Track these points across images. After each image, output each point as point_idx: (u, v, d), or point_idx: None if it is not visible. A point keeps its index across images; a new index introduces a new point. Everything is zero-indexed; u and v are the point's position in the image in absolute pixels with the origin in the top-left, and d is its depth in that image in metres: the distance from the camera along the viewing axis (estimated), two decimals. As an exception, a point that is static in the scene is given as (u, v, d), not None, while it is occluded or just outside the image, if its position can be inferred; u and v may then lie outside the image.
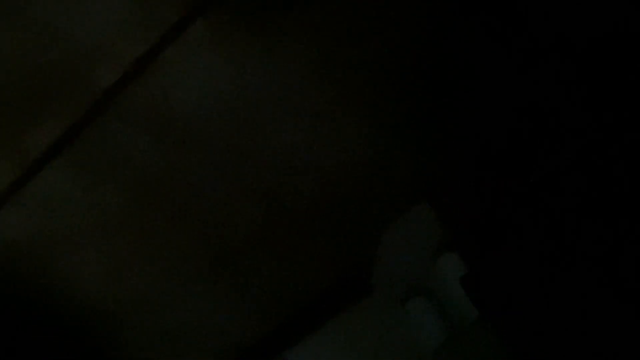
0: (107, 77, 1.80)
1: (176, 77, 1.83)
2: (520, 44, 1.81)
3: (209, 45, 1.80)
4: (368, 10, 1.81)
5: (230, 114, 1.90)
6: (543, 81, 1.79)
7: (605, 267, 1.54)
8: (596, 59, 1.67)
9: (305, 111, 1.91)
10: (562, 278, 1.59)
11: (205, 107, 1.88)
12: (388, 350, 2.08)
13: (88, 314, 2.12)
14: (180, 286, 2.12)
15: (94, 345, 2.16)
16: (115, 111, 1.85)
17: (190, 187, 1.99)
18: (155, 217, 2.01)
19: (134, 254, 2.06)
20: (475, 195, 1.88)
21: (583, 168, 1.62)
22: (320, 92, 1.89)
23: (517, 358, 1.63)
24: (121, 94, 1.83)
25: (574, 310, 1.57)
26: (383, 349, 2.09)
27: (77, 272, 2.07)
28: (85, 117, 1.85)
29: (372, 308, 2.08)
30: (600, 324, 1.54)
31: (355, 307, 2.10)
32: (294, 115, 1.92)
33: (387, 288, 2.06)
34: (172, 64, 1.81)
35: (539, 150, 1.75)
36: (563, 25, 1.73)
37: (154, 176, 1.95)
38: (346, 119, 1.93)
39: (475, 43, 1.84)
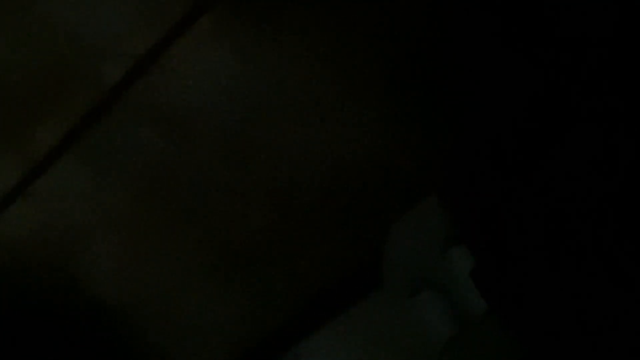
0: (114, 73, 1.80)
1: (183, 72, 1.83)
2: (530, 38, 1.80)
3: (215, 39, 1.80)
4: (379, 0, 1.80)
5: (239, 108, 1.89)
6: (552, 75, 1.78)
7: (618, 261, 1.53)
8: (604, 57, 1.66)
9: (314, 104, 1.91)
10: (573, 271, 1.59)
11: (213, 101, 1.88)
12: (397, 343, 2.08)
13: (101, 309, 2.13)
14: (191, 281, 2.12)
15: (106, 339, 2.17)
16: (123, 107, 1.86)
17: (200, 181, 1.99)
18: (166, 212, 2.02)
19: (146, 249, 2.06)
20: (485, 188, 1.87)
21: (593, 159, 1.62)
22: (329, 84, 1.89)
23: (528, 352, 1.63)
24: (128, 89, 1.83)
25: (584, 303, 1.57)
26: (392, 341, 2.09)
27: (90, 267, 2.07)
28: (93, 112, 1.85)
29: (382, 301, 2.08)
30: (612, 316, 1.54)
31: (364, 300, 2.10)
32: (303, 108, 1.91)
33: (396, 281, 2.05)
34: (178, 60, 1.81)
35: (549, 142, 1.75)
36: (572, 19, 1.72)
37: (163, 171, 1.95)
38: (355, 112, 1.93)
39: (485, 35, 1.83)
